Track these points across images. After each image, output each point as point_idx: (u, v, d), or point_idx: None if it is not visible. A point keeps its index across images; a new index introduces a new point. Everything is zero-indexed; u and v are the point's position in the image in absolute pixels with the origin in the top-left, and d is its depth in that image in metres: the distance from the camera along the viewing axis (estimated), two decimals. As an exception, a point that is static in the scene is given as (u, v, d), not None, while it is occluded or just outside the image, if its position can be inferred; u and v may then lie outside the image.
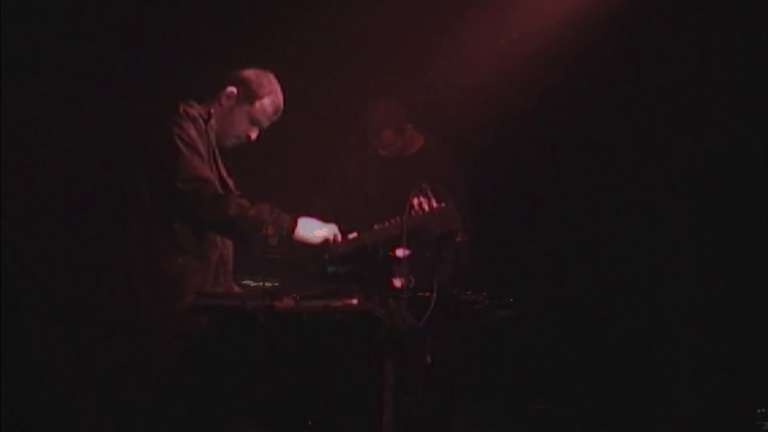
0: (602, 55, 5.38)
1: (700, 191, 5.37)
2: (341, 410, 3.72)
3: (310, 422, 3.68)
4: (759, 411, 4.92)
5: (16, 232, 4.68)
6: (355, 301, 3.81)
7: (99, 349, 4.08)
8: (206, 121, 4.21)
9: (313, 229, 4.16)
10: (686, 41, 5.22)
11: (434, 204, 4.02)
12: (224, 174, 4.25)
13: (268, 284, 4.28)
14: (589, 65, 5.41)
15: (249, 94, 4.25)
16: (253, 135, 4.32)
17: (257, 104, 4.26)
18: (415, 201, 4.00)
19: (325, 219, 4.24)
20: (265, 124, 4.35)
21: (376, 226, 4.14)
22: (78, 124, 5.09)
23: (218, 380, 3.77)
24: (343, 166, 5.61)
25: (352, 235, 4.22)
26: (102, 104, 5.10)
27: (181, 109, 4.13)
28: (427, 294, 3.90)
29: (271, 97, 4.29)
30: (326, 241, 4.15)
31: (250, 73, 4.28)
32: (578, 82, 5.45)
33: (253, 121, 4.29)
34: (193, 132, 4.10)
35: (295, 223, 4.13)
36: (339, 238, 4.20)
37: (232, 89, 4.25)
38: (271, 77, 4.34)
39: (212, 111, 4.24)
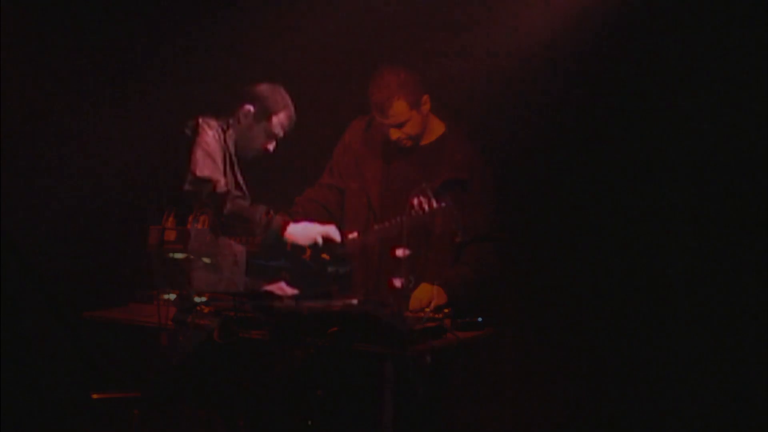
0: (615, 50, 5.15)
1: (700, 193, 5.31)
2: (341, 410, 3.73)
3: (310, 422, 3.69)
4: None
5: (20, 234, 4.75)
6: (355, 301, 3.83)
7: (106, 350, 4.18)
8: (224, 131, 4.49)
9: (304, 232, 4.32)
10: (686, 40, 5.20)
11: (434, 204, 4.02)
12: (240, 179, 4.49)
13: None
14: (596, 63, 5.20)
15: (265, 111, 4.49)
16: (271, 147, 4.55)
17: (273, 120, 4.50)
18: (415, 201, 4.01)
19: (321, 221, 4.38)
20: (281, 135, 4.55)
21: (376, 226, 4.25)
22: (100, 131, 5.23)
23: (220, 380, 3.79)
24: (341, 158, 4.53)
25: (352, 235, 4.29)
26: (123, 114, 5.23)
27: (201, 120, 4.43)
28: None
29: (285, 112, 4.53)
30: (315, 244, 4.27)
31: (263, 90, 4.51)
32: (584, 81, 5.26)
33: (270, 135, 4.53)
34: (210, 138, 4.39)
35: (286, 225, 4.30)
36: (338, 238, 4.26)
37: (249, 107, 4.50)
38: (283, 92, 4.55)
39: (230, 123, 4.51)
